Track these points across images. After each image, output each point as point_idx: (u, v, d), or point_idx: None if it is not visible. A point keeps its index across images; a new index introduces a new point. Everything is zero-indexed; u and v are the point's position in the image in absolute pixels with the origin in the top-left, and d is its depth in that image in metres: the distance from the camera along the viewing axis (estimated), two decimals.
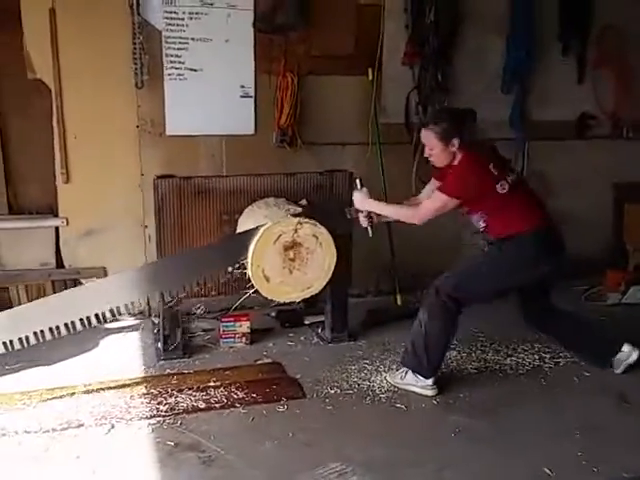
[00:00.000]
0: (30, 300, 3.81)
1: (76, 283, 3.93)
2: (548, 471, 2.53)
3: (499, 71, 4.41)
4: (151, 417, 2.87)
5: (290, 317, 4.01)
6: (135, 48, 3.65)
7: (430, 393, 3.11)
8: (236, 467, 2.53)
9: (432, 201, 3.05)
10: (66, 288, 3.88)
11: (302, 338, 3.81)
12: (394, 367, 3.34)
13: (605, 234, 4.97)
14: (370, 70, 4.15)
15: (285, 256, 3.08)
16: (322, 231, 3.09)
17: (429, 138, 3.03)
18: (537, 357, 3.56)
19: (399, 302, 4.25)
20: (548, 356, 3.56)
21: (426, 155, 3.11)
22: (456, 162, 3.01)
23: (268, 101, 4.02)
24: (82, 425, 2.80)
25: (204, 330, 3.88)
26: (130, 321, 4.05)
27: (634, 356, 3.26)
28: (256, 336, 3.78)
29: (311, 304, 3.99)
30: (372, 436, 2.77)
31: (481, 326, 3.94)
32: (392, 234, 4.22)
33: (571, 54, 4.52)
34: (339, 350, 3.64)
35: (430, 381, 3.12)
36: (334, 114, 4.20)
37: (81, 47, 3.66)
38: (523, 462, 2.59)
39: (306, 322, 3.98)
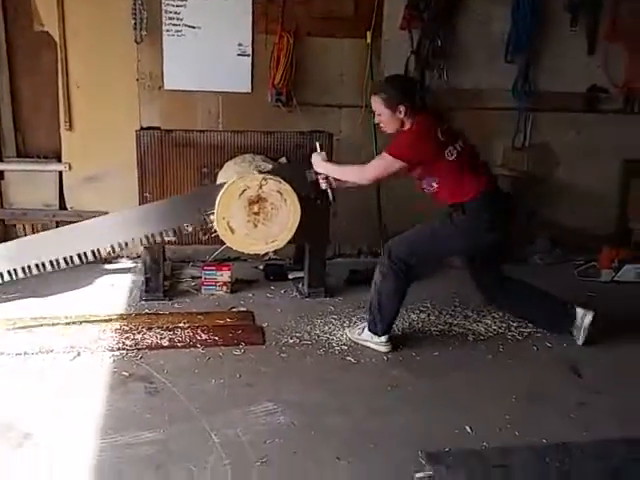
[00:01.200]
0: None
1: None
2: (469, 429, 2.62)
3: (504, 39, 4.37)
4: (116, 350, 3.11)
5: (275, 271, 4.18)
6: (134, 4, 3.82)
7: (384, 349, 3.23)
8: (176, 399, 2.73)
9: (376, 161, 3.11)
10: None
11: (282, 291, 3.98)
12: (359, 323, 3.47)
13: (611, 210, 4.91)
14: (368, 33, 4.19)
15: (250, 210, 3.21)
16: (287, 188, 3.20)
17: (377, 105, 3.08)
18: (504, 325, 3.60)
19: None
20: (515, 325, 3.60)
21: (376, 122, 3.17)
22: (405, 128, 3.07)
23: (265, 61, 4.14)
24: (52, 351, 3.06)
25: (192, 277, 4.10)
26: (127, 263, 4.33)
27: (589, 317, 3.27)
28: (239, 286, 3.98)
29: (299, 260, 4.15)
30: (312, 383, 2.92)
31: (460, 291, 4.01)
32: (381, 197, 4.30)
33: (581, 25, 4.41)
34: (313, 304, 3.79)
35: (384, 338, 3.24)
36: (331, 76, 4.30)
37: (84, 1, 3.85)
38: (447, 419, 2.68)
39: (290, 277, 4.15)
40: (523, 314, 3.48)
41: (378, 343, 3.24)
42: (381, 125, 3.14)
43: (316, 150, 3.32)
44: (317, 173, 3.30)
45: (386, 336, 3.24)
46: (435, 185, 3.10)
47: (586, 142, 4.68)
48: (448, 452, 2.44)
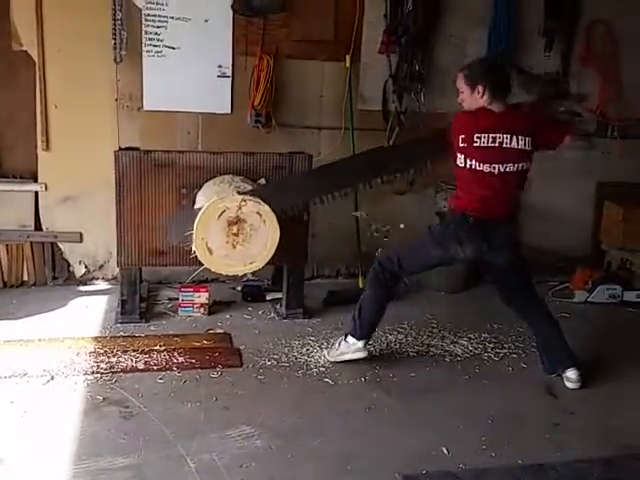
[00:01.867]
0: (9, 257, 4.08)
1: (53, 246, 4.17)
2: (445, 451, 2.63)
3: None
4: (90, 373, 3.07)
5: (253, 292, 4.17)
6: (115, 25, 3.82)
7: (360, 355, 3.27)
8: (151, 423, 2.70)
9: None
10: (44, 250, 4.15)
11: (260, 312, 3.97)
12: (336, 345, 3.46)
13: (585, 232, 4.97)
14: (347, 57, 4.24)
15: (229, 231, 3.21)
16: (266, 209, 3.21)
17: (460, 81, 3.07)
18: (480, 347, 3.63)
19: (361, 285, 4.36)
20: (492, 346, 3.64)
21: (459, 101, 3.12)
22: None
23: (245, 82, 4.15)
24: (25, 375, 3.02)
25: (170, 299, 4.06)
26: (103, 285, 4.29)
27: (575, 386, 3.21)
28: (216, 307, 3.96)
29: (277, 281, 4.15)
30: (290, 406, 2.91)
31: (437, 313, 4.05)
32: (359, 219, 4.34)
33: (555, 50, 4.50)
34: (291, 326, 3.78)
35: (360, 343, 3.27)
36: (310, 98, 4.33)
37: (64, 21, 3.86)
38: (424, 440, 2.69)
39: (268, 298, 4.13)
40: (540, 339, 3.36)
41: (355, 350, 3.27)
42: (461, 103, 3.09)
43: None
44: None
45: (363, 341, 3.27)
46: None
47: (560, 164, 4.73)
48: (425, 474, 2.45)
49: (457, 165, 3.04)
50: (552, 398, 3.15)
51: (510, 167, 2.99)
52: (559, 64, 4.55)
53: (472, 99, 3.03)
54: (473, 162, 2.98)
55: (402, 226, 4.45)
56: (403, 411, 2.94)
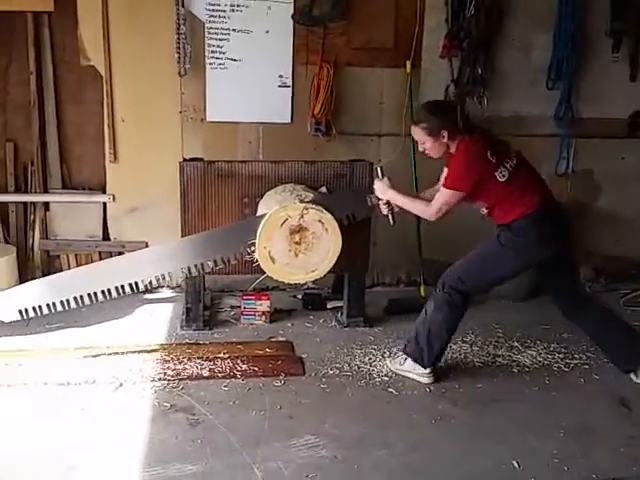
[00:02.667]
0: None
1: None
2: (516, 464, 2.56)
3: (544, 67, 4.33)
4: (157, 380, 3.12)
5: (314, 300, 4.17)
6: (179, 38, 3.90)
7: (426, 381, 3.18)
8: (217, 430, 2.72)
9: (439, 197, 3.06)
10: None
11: (321, 321, 3.96)
12: (399, 354, 3.42)
13: None
14: (408, 63, 4.21)
15: (291, 239, 3.22)
16: (328, 217, 3.21)
17: (418, 134, 3.08)
18: (550, 357, 3.52)
19: (422, 293, 4.31)
20: (561, 356, 3.53)
21: (420, 150, 3.15)
22: (453, 150, 3.04)
23: (305, 91, 4.17)
24: (94, 382, 3.09)
25: (232, 307, 4.11)
26: (168, 293, 4.36)
27: None
28: (278, 315, 3.98)
29: (338, 289, 4.14)
30: (354, 415, 2.89)
31: (503, 322, 3.96)
32: (420, 226, 4.28)
33: (623, 51, 4.36)
34: (352, 334, 3.76)
35: (427, 370, 3.19)
36: (370, 105, 4.31)
37: (130, 36, 3.97)
38: (494, 454, 2.62)
39: (329, 306, 4.12)
40: (596, 336, 3.31)
41: (421, 374, 3.19)
42: (427, 152, 3.12)
43: (378, 176, 3.33)
44: (378, 198, 3.32)
45: (430, 368, 3.19)
46: (484, 210, 3.09)
47: (630, 168, 4.59)
48: None
49: (497, 182, 2.98)
50: (626, 410, 3.03)
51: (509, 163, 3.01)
52: (627, 66, 4.41)
53: (439, 146, 3.05)
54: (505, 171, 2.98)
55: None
56: (470, 423, 2.87)
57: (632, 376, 3.21)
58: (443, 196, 3.05)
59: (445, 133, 3.01)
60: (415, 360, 3.21)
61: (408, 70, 4.22)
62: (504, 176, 2.98)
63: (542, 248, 3.04)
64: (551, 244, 3.05)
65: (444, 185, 3.05)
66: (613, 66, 4.41)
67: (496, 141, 3.09)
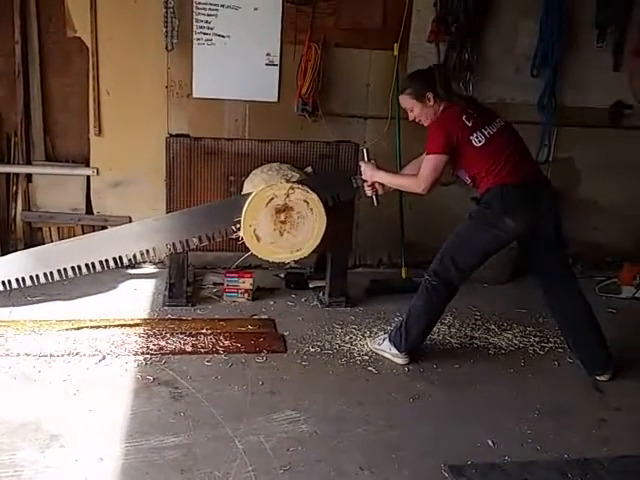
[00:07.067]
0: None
1: (103, 229, 4.25)
2: (491, 443, 2.63)
3: (529, 54, 4.38)
4: (140, 354, 3.14)
5: (296, 279, 4.21)
6: (167, 12, 3.87)
7: (400, 362, 3.23)
8: (200, 404, 2.76)
9: (424, 166, 3.04)
10: None
11: (303, 300, 4.00)
12: (381, 334, 3.47)
13: (634, 227, 4.87)
14: (396, 45, 4.22)
15: (276, 218, 3.25)
16: (313, 197, 3.23)
17: (406, 101, 3.12)
18: (525, 340, 3.60)
19: (404, 275, 4.37)
20: (537, 340, 3.61)
21: (411, 119, 3.16)
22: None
23: (292, 70, 4.18)
24: (77, 354, 3.11)
25: (215, 283, 4.13)
26: (150, 269, 4.37)
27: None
28: (260, 293, 4.01)
29: (321, 269, 4.17)
30: (334, 392, 2.94)
31: (481, 305, 4.04)
32: (403, 208, 4.32)
33: (608, 41, 4.42)
34: (334, 314, 3.80)
35: (402, 354, 3.24)
36: (357, 87, 4.33)
37: (117, 8, 3.94)
38: (469, 432, 2.69)
39: (310, 285, 4.17)
40: (567, 331, 3.30)
41: (394, 355, 3.25)
42: (417, 120, 3.14)
43: (364, 159, 3.36)
44: (363, 180, 3.34)
45: (405, 352, 3.24)
46: (467, 178, 3.09)
47: (609, 158, 4.67)
48: (470, 465, 2.45)
49: (472, 146, 2.97)
50: (598, 393, 3.11)
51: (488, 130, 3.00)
52: (611, 55, 4.47)
53: (427, 111, 3.09)
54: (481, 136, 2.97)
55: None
56: (447, 402, 2.94)
57: (597, 377, 3.21)
58: (426, 163, 3.03)
59: (430, 95, 3.04)
60: (392, 342, 3.26)
61: (395, 53, 4.24)
62: (480, 141, 2.96)
63: (509, 219, 2.96)
64: (519, 216, 2.98)
65: (426, 152, 3.04)
66: (597, 55, 4.47)
67: (478, 108, 3.09)
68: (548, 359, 3.42)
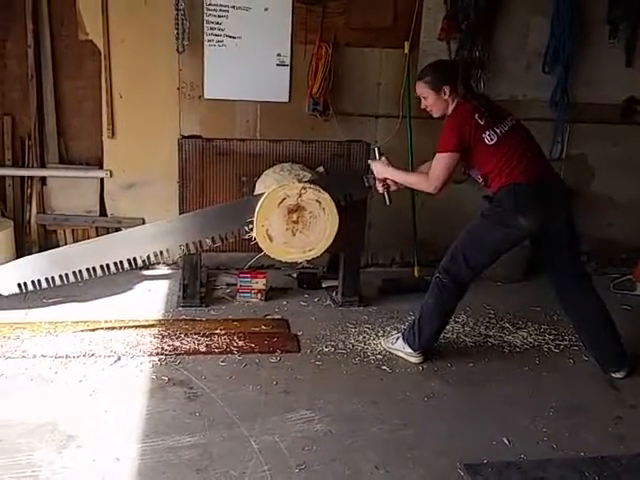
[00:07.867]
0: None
1: (117, 231, 4.27)
2: (506, 441, 2.62)
3: (541, 51, 4.36)
4: (155, 354, 3.16)
5: (309, 279, 4.21)
6: (177, 15, 3.89)
7: (414, 360, 3.23)
8: (215, 404, 2.77)
9: (435, 164, 3.03)
10: None
11: (316, 300, 4.01)
12: (394, 333, 3.47)
13: None
14: (406, 44, 4.22)
15: (289, 218, 3.26)
16: (325, 197, 3.24)
17: (422, 89, 3.10)
18: (540, 338, 3.59)
19: (416, 274, 4.36)
20: (552, 338, 3.60)
21: (423, 107, 3.15)
22: (449, 111, 3.06)
23: (303, 70, 4.19)
24: (93, 355, 3.13)
25: (228, 284, 4.14)
26: (164, 270, 4.40)
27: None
28: (273, 293, 4.02)
29: (333, 269, 4.18)
30: (348, 392, 2.94)
31: (495, 303, 4.03)
32: (416, 207, 4.32)
33: (620, 37, 4.39)
34: (347, 313, 3.80)
35: (416, 353, 3.24)
36: (368, 86, 4.33)
37: (128, 11, 3.96)
38: (485, 431, 2.68)
39: (323, 285, 4.17)
40: (582, 330, 3.28)
41: (409, 354, 3.24)
42: (428, 109, 3.14)
43: (375, 157, 3.36)
44: (375, 178, 3.34)
45: (419, 351, 3.24)
46: (479, 177, 3.08)
47: (623, 154, 4.65)
48: (487, 464, 2.44)
49: (484, 145, 2.95)
50: (614, 391, 3.10)
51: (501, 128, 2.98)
52: (623, 51, 4.44)
53: (440, 103, 3.08)
54: (494, 134, 2.95)
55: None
56: (462, 401, 2.93)
57: (612, 375, 3.19)
58: (437, 162, 3.02)
59: (447, 89, 3.02)
60: (405, 341, 3.25)
61: (406, 51, 4.24)
62: (492, 139, 2.95)
63: (521, 218, 2.95)
64: (531, 215, 2.96)
65: (437, 150, 3.03)
66: (609, 52, 4.45)
67: (491, 106, 3.07)
68: (563, 357, 3.40)
